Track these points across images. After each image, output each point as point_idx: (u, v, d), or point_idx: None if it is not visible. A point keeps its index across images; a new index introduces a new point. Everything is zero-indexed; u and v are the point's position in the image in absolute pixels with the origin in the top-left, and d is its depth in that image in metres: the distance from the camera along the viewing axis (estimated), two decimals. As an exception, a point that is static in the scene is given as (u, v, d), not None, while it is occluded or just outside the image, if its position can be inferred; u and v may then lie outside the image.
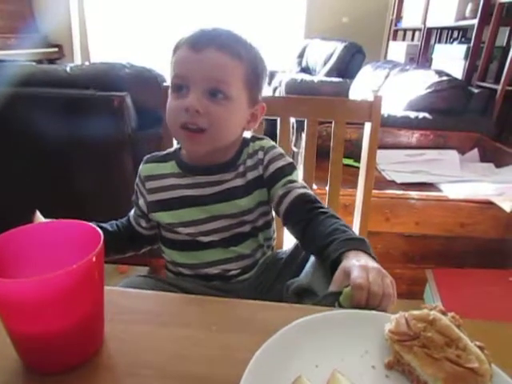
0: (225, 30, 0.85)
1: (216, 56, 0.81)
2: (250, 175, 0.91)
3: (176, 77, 0.84)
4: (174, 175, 0.93)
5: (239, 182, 0.90)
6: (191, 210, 0.90)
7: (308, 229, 0.82)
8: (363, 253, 0.71)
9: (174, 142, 1.20)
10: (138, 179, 0.98)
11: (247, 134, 0.96)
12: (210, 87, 0.81)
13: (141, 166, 0.98)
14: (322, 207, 0.86)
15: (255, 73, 0.87)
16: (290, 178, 0.90)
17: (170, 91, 0.88)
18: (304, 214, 0.85)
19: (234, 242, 0.92)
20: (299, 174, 0.96)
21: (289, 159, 0.94)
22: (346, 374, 0.51)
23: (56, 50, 5.43)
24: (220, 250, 0.91)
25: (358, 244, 0.73)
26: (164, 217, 0.92)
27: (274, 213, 0.97)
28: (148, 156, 0.99)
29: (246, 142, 0.94)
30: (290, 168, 0.92)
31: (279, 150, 0.95)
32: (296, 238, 0.88)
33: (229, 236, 0.91)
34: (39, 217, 0.80)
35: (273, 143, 0.96)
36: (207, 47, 0.80)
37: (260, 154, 0.92)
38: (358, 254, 0.71)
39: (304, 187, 0.90)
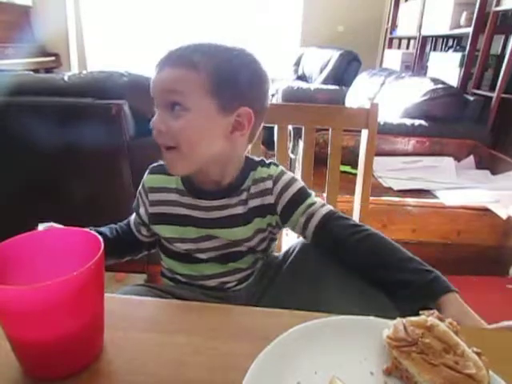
0: (188, 44, 0.82)
1: (169, 71, 0.79)
2: (252, 203, 0.88)
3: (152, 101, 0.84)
4: (177, 191, 0.91)
5: (240, 209, 0.88)
6: (189, 229, 0.89)
7: (355, 250, 0.81)
8: (457, 294, 0.74)
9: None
10: (141, 187, 0.96)
11: (246, 152, 0.92)
12: (168, 102, 0.79)
13: (145, 176, 0.95)
14: (357, 224, 0.85)
15: (222, 78, 0.80)
16: (307, 202, 0.87)
17: None
18: (340, 231, 0.83)
19: (232, 259, 0.91)
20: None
21: (300, 183, 0.91)
22: (344, 380, 0.51)
23: (53, 58, 5.43)
24: (218, 265, 0.91)
25: (444, 284, 0.76)
26: (163, 230, 0.92)
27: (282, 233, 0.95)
28: (154, 165, 0.96)
29: (253, 165, 0.91)
30: (305, 192, 0.90)
31: (289, 175, 0.91)
32: (337, 254, 0.84)
33: (227, 253, 0.90)
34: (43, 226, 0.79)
35: (281, 169, 0.92)
36: (165, 65, 0.80)
37: (268, 183, 0.88)
38: (457, 299, 0.74)
39: (324, 205, 0.88)
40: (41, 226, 0.78)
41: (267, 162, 0.93)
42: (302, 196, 0.88)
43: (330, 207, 0.88)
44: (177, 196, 0.90)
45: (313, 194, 0.91)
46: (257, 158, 0.93)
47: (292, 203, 0.88)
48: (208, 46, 0.81)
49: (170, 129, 0.78)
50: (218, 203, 0.88)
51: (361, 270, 0.81)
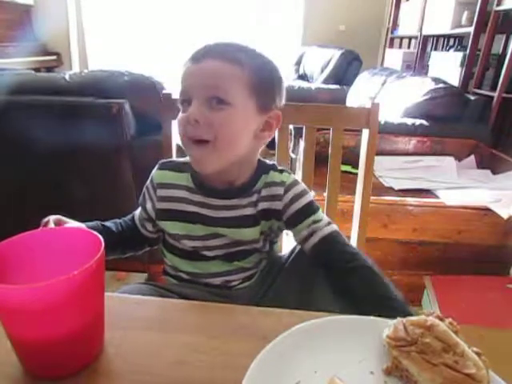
0: (226, 42, 0.84)
1: (213, 64, 0.79)
2: (261, 206, 0.88)
3: (181, 92, 0.83)
4: (187, 188, 0.90)
5: (249, 211, 0.88)
6: (198, 227, 0.89)
7: (343, 281, 0.81)
8: None
9: (174, 149, 1.20)
10: (149, 182, 0.95)
11: (259, 153, 0.92)
12: (209, 95, 0.79)
13: (155, 171, 0.95)
14: (355, 252, 0.84)
15: (262, 79, 0.84)
16: (313, 218, 0.87)
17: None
18: (337, 256, 0.84)
19: (237, 257, 0.91)
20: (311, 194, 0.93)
21: (310, 196, 0.90)
22: (344, 379, 0.51)
23: (54, 57, 5.43)
24: (223, 263, 0.91)
25: None
26: (170, 227, 0.91)
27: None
28: (164, 161, 0.96)
29: (265, 168, 0.91)
30: (313, 207, 0.89)
31: (301, 186, 0.91)
32: (327, 277, 0.85)
33: (234, 252, 0.90)
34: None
35: (294, 178, 0.91)
36: (205, 57, 0.80)
37: (279, 190, 0.88)
38: None
39: (329, 224, 0.88)
40: (51, 218, 0.78)
41: (279, 167, 0.93)
42: (309, 210, 0.88)
43: (333, 227, 0.88)
44: (187, 193, 0.90)
45: (320, 209, 0.91)
46: (269, 162, 0.94)
47: (299, 215, 0.88)
48: (247, 47, 0.85)
49: (210, 121, 0.78)
50: (228, 203, 0.88)
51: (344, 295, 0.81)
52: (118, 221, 0.99)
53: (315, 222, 0.87)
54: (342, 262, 0.82)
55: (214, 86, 0.79)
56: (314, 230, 0.86)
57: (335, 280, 0.83)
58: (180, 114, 0.83)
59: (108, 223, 0.95)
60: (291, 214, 0.88)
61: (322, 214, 0.90)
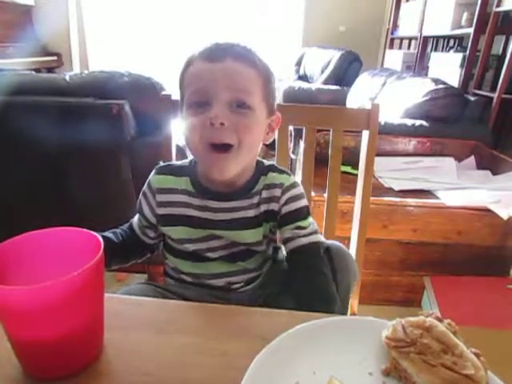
0: (236, 43, 0.82)
1: (235, 65, 0.77)
2: (263, 207, 0.88)
3: (195, 93, 0.79)
4: (186, 192, 0.89)
5: (251, 213, 0.88)
6: (199, 230, 0.88)
7: (299, 283, 0.86)
8: None
9: (174, 149, 1.20)
10: (147, 188, 0.92)
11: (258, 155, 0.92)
12: (233, 98, 0.76)
13: (152, 175, 0.92)
14: (321, 270, 0.86)
15: (270, 82, 0.84)
16: (299, 223, 0.88)
17: (184, 112, 0.82)
18: (301, 268, 0.87)
19: (241, 258, 0.90)
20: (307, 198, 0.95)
21: (305, 202, 0.91)
22: (343, 380, 0.52)
23: (55, 58, 5.43)
24: (226, 264, 0.90)
25: None
26: (173, 232, 0.90)
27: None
28: (161, 165, 0.94)
29: (263, 170, 0.90)
30: (304, 212, 0.90)
31: (299, 189, 0.90)
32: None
33: (236, 252, 0.89)
34: None
35: (293, 180, 0.91)
36: (224, 57, 0.77)
37: (277, 192, 0.88)
38: None
39: (311, 234, 0.88)
40: None
41: (280, 168, 0.92)
42: (299, 214, 0.89)
43: (315, 239, 0.89)
44: (186, 197, 0.89)
45: (310, 217, 0.91)
46: (267, 162, 0.93)
47: (288, 217, 0.88)
48: (252, 49, 0.83)
49: (234, 125, 0.76)
50: (228, 205, 0.87)
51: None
52: (116, 230, 0.96)
53: (300, 227, 0.88)
54: (305, 276, 0.85)
55: (240, 88, 0.77)
56: (295, 236, 0.87)
57: (295, 285, 0.86)
58: (194, 118, 0.79)
59: (107, 234, 0.92)
60: (284, 214, 0.88)
61: (310, 222, 0.90)
